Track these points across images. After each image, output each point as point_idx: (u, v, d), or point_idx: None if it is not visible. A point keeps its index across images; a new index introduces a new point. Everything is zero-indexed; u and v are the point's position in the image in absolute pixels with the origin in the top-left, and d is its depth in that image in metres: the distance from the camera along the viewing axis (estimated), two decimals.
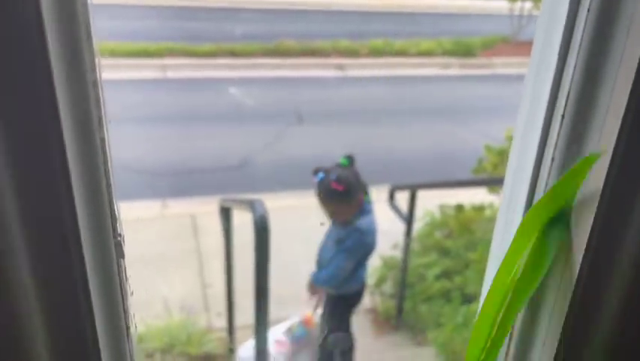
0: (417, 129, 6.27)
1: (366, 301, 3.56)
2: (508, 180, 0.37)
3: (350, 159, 2.21)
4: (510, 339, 0.35)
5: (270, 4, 11.13)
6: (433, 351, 2.86)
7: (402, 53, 8.70)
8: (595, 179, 0.27)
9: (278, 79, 7.67)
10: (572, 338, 0.30)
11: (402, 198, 3.22)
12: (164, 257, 3.84)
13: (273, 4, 11.16)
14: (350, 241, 2.22)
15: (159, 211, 4.44)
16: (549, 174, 0.31)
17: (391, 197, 3.47)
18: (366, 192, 2.24)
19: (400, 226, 3.24)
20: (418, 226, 3.38)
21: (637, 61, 0.24)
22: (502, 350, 0.35)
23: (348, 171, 2.19)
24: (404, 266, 3.17)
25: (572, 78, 0.27)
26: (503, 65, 8.76)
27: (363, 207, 2.23)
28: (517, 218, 0.33)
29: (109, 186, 0.36)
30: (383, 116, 6.59)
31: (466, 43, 8.97)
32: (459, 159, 4.83)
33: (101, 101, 0.34)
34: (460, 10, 11.92)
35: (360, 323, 3.32)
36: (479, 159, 3.39)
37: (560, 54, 0.29)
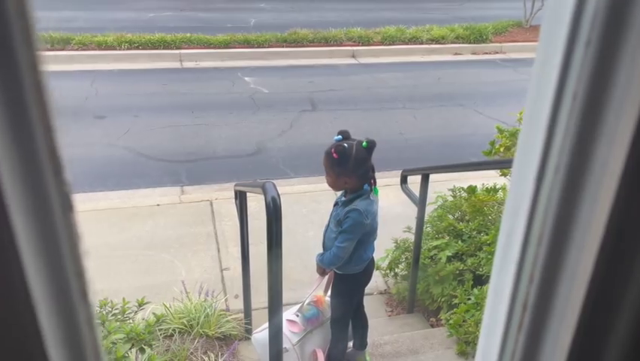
0: (430, 114, 6.28)
1: (380, 282, 3.62)
2: (517, 161, 0.33)
3: (369, 143, 2.22)
4: (523, 312, 0.31)
5: None
6: (446, 332, 2.91)
7: (414, 39, 8.66)
8: (609, 161, 0.25)
9: (292, 67, 7.71)
10: (594, 307, 0.27)
11: (415, 183, 3.26)
12: (183, 241, 3.93)
13: None
14: (348, 222, 2.25)
15: (178, 197, 4.54)
16: (559, 155, 0.27)
17: (404, 181, 3.52)
18: (370, 180, 2.25)
19: (412, 210, 3.28)
20: (430, 209, 3.42)
21: None
22: (515, 322, 0.30)
23: (358, 150, 2.21)
24: (417, 248, 3.21)
25: (585, 56, 0.24)
26: (516, 49, 8.67)
27: (363, 190, 2.25)
28: (525, 200, 0.30)
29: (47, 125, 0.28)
30: (396, 102, 6.60)
31: (479, 28, 8.89)
32: (472, 144, 4.84)
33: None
34: None
35: (373, 304, 3.38)
36: (491, 142, 3.40)
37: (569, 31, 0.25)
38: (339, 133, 2.27)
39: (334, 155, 2.21)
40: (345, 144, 2.22)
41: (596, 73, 0.22)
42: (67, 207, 0.29)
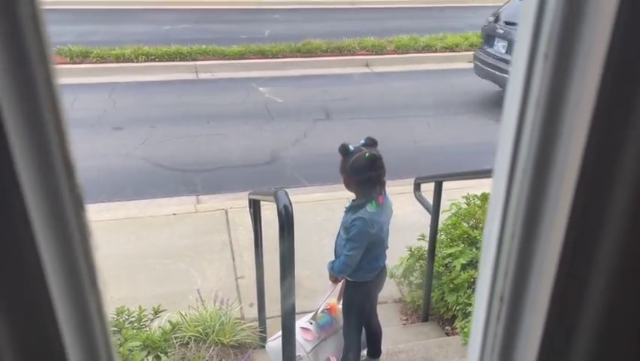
0: (444, 123, 6.27)
1: (395, 291, 3.61)
2: (495, 165, 0.34)
3: (370, 156, 2.25)
4: (500, 305, 0.32)
5: (297, 4, 11.24)
6: (461, 340, 2.89)
7: (428, 47, 8.67)
8: (568, 160, 0.26)
9: (306, 77, 7.77)
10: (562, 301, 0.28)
11: (429, 190, 3.26)
12: (199, 250, 3.97)
13: (300, 4, 11.26)
14: (353, 230, 2.29)
15: (193, 207, 4.59)
16: (526, 157, 0.29)
17: (417, 188, 3.52)
18: (373, 190, 2.28)
19: (426, 217, 3.28)
20: (444, 217, 3.41)
21: (604, 52, 0.24)
22: (493, 315, 0.31)
23: (359, 157, 2.26)
24: (431, 257, 3.20)
25: (544, 68, 0.26)
26: None
27: (368, 199, 2.28)
28: (500, 201, 0.31)
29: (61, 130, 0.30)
30: (410, 110, 6.60)
31: None
32: (486, 152, 4.82)
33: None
34: (485, 3, 11.76)
35: (388, 313, 3.38)
36: None
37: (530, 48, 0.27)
38: (365, 139, 2.32)
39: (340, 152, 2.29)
40: (351, 147, 2.27)
41: (554, 83, 0.24)
42: (79, 207, 0.31)
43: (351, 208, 2.35)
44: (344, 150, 2.29)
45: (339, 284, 2.56)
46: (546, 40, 0.23)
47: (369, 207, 2.28)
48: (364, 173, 2.26)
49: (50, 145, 0.30)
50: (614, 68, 0.23)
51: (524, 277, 0.27)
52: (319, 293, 3.18)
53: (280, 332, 2.43)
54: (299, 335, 2.61)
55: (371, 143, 2.30)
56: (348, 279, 2.48)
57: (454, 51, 8.64)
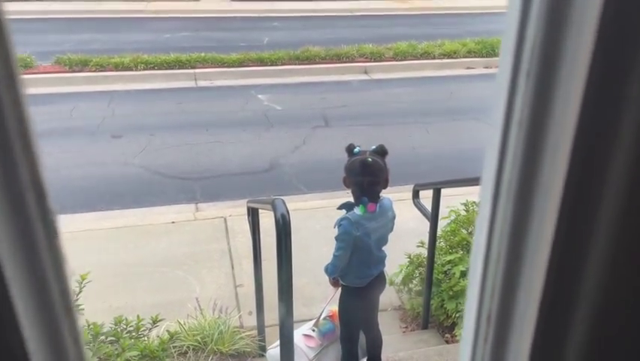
0: (442, 129, 6.27)
1: (394, 298, 3.60)
2: (481, 184, 0.35)
3: (363, 163, 2.29)
4: (488, 325, 0.32)
5: (295, 12, 11.28)
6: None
7: (426, 54, 8.70)
8: (553, 178, 0.26)
9: (304, 84, 7.79)
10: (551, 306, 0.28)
11: (428, 198, 3.25)
12: (198, 258, 3.96)
13: (298, 12, 11.31)
14: (339, 230, 2.34)
15: (192, 215, 4.58)
16: (510, 177, 0.29)
17: (416, 195, 3.51)
18: (363, 194, 2.31)
19: (425, 224, 3.27)
20: (443, 223, 3.41)
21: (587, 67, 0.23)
22: (481, 335, 0.31)
23: (356, 160, 2.29)
24: (430, 264, 3.19)
25: (526, 86, 0.26)
26: None
27: (360, 202, 2.31)
28: (485, 219, 0.32)
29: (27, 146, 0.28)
30: (409, 116, 6.61)
31: (491, 42, 8.90)
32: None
33: None
34: (483, 10, 11.82)
35: (388, 320, 3.36)
36: None
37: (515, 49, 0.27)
38: (377, 145, 2.35)
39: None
40: (358, 148, 2.29)
41: (536, 101, 0.23)
42: (52, 233, 0.30)
43: (343, 205, 2.39)
44: (349, 149, 2.34)
45: (338, 290, 2.56)
46: (528, 58, 0.23)
47: (357, 210, 2.31)
48: (355, 176, 2.30)
49: (18, 167, 0.28)
50: (597, 85, 0.22)
51: (511, 297, 0.26)
52: (318, 301, 3.16)
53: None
54: (301, 342, 2.60)
55: (379, 151, 2.33)
56: (342, 283, 2.49)
57: (452, 58, 8.67)
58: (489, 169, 0.28)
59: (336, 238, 2.36)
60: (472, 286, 0.30)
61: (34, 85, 7.26)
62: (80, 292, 2.43)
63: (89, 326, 2.37)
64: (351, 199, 2.40)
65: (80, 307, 2.41)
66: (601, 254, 0.25)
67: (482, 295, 0.27)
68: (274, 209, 1.89)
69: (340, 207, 2.41)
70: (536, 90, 0.24)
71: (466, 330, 0.31)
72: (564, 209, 0.24)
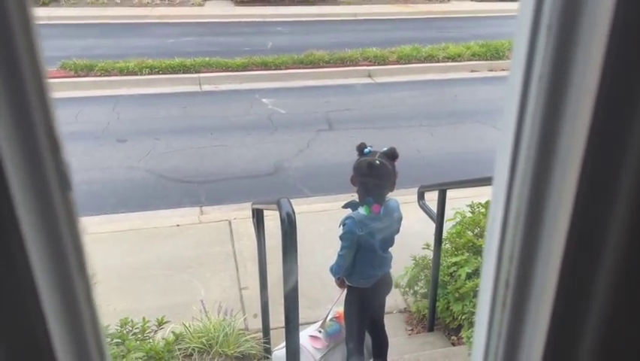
0: (447, 132, 6.26)
1: (400, 301, 3.58)
2: (497, 154, 0.35)
3: (371, 165, 2.29)
4: (506, 290, 0.31)
5: (299, 17, 11.32)
6: (468, 350, 2.86)
7: (430, 57, 8.70)
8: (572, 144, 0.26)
9: (308, 88, 7.80)
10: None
11: (433, 200, 3.24)
12: (202, 261, 3.96)
13: (302, 17, 11.34)
14: (343, 229, 2.35)
15: (197, 218, 4.58)
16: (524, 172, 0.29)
17: (421, 197, 3.50)
18: (368, 195, 2.31)
19: (431, 227, 3.26)
20: (448, 225, 3.39)
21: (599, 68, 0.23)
22: (499, 301, 0.32)
23: (364, 160, 2.29)
24: (436, 266, 3.18)
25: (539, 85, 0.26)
26: None
27: (365, 201, 2.31)
28: (502, 186, 0.32)
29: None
30: (413, 120, 6.61)
31: (495, 45, 8.89)
32: (490, 160, 4.80)
33: None
34: (487, 14, 11.83)
35: (393, 323, 3.35)
36: None
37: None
38: (388, 148, 2.36)
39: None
40: (369, 149, 2.29)
41: (557, 55, 0.23)
42: (66, 186, 0.30)
43: (348, 204, 2.39)
44: (359, 148, 2.36)
45: (344, 291, 2.55)
46: (549, 10, 0.23)
47: (362, 210, 2.32)
48: (361, 176, 2.31)
49: (34, 118, 0.28)
50: (619, 39, 0.22)
51: (531, 263, 0.26)
52: (323, 303, 3.15)
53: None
54: (308, 344, 2.60)
55: (389, 154, 2.33)
56: (347, 283, 2.48)
57: (456, 61, 8.66)
58: (508, 124, 0.27)
59: (341, 237, 2.36)
60: (488, 254, 0.29)
61: None
62: None
63: None
64: (357, 198, 2.40)
65: None
66: (621, 226, 0.25)
67: (500, 261, 0.27)
68: (279, 208, 1.89)
69: (345, 206, 2.41)
70: (557, 44, 0.23)
71: (482, 295, 0.31)
72: (585, 171, 0.23)
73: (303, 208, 4.44)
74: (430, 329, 3.32)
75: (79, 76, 7.73)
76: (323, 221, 4.38)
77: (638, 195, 0.25)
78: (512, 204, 0.26)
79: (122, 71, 7.83)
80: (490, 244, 0.28)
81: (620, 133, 0.23)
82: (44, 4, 11.11)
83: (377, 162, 2.28)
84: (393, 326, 3.30)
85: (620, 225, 0.25)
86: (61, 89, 7.37)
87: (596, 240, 0.25)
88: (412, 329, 3.43)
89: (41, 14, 10.50)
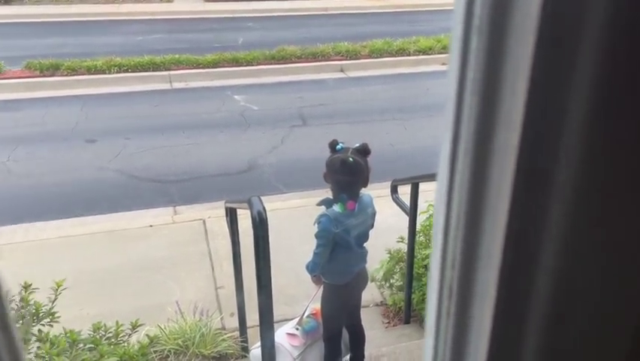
0: (420, 125, 6.31)
1: (376, 294, 3.61)
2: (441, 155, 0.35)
3: (343, 162, 2.29)
4: (450, 298, 0.31)
5: (270, 12, 11.24)
6: None
7: (402, 51, 8.75)
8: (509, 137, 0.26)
9: (281, 83, 7.76)
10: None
11: (406, 193, 3.27)
12: (177, 261, 3.91)
13: (273, 12, 11.27)
14: (318, 227, 2.34)
15: (170, 218, 4.53)
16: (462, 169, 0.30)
17: (394, 191, 3.53)
18: (342, 192, 2.31)
19: (405, 220, 3.29)
20: (422, 218, 3.42)
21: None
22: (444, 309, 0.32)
23: (337, 157, 2.29)
24: (410, 258, 3.21)
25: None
26: None
27: (339, 198, 2.31)
28: (443, 187, 0.32)
29: None
30: (386, 113, 6.64)
31: None
32: None
33: None
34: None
35: (370, 317, 3.37)
36: None
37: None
38: (360, 144, 2.37)
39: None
40: (341, 145, 2.29)
41: (489, 60, 0.23)
42: None
43: (323, 202, 2.39)
44: (332, 145, 2.34)
45: (321, 288, 2.55)
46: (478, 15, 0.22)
47: (336, 207, 2.32)
48: (335, 174, 2.31)
49: None
50: (546, 40, 0.22)
51: (471, 270, 0.26)
52: (300, 300, 3.15)
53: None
54: (285, 341, 2.60)
55: (361, 150, 2.32)
56: (324, 280, 2.48)
57: (427, 54, 8.73)
58: (447, 130, 0.27)
59: (316, 236, 2.36)
60: (435, 260, 0.29)
61: (3, 91, 7.09)
62: (56, 299, 2.38)
63: (66, 333, 2.32)
64: (331, 195, 2.40)
65: (56, 315, 2.36)
66: (559, 220, 0.25)
67: (444, 268, 0.27)
68: (250, 207, 1.88)
69: (320, 203, 2.41)
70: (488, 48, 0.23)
71: (430, 304, 0.31)
72: (520, 170, 0.24)
73: (278, 205, 4.43)
74: (407, 322, 3.36)
75: (44, 76, 7.53)
76: (298, 217, 4.38)
77: (572, 191, 0.25)
78: (453, 208, 0.26)
79: (89, 70, 7.66)
80: (435, 252, 0.28)
81: (551, 136, 0.23)
82: (7, 3, 10.77)
83: (350, 159, 2.28)
84: (370, 320, 3.32)
85: (555, 224, 0.25)
86: (26, 89, 7.17)
87: (531, 239, 0.25)
88: (388, 322, 3.46)
89: (3, 13, 10.19)
